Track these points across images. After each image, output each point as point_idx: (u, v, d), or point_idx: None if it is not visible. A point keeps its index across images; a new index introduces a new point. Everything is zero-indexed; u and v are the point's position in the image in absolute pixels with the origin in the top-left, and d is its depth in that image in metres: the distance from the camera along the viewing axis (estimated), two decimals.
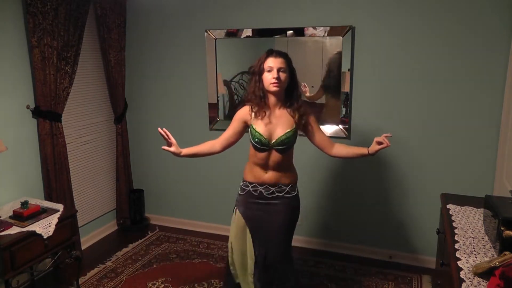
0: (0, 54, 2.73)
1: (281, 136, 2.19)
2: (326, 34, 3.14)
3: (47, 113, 2.98)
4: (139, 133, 3.99)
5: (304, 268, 3.24)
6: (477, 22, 2.79)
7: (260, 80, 2.19)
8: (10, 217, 2.54)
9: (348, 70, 3.15)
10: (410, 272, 3.17)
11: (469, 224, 1.95)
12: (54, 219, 2.56)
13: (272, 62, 2.15)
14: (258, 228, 2.28)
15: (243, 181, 2.35)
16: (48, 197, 3.07)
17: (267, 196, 2.26)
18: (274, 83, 2.14)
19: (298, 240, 3.59)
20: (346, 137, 3.25)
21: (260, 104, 2.21)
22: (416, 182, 3.15)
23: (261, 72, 2.18)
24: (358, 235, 3.42)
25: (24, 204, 2.56)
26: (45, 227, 2.49)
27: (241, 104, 2.36)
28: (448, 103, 2.97)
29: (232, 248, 2.38)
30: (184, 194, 3.95)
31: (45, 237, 2.47)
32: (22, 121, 2.92)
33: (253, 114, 2.23)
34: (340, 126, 3.26)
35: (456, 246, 1.74)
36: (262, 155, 2.22)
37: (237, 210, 2.34)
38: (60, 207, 2.71)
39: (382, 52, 3.06)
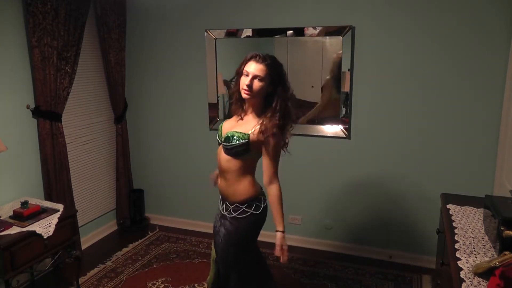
0: (0, 54, 2.73)
1: (232, 131, 2.03)
2: (325, 34, 3.14)
3: (47, 113, 2.98)
4: (139, 133, 3.99)
5: (304, 268, 3.24)
6: (477, 22, 2.79)
7: (238, 82, 2.04)
8: (10, 217, 2.54)
9: (348, 70, 3.15)
10: (410, 272, 3.17)
11: (469, 224, 1.95)
12: (54, 219, 2.56)
13: (250, 67, 1.98)
14: (215, 236, 2.24)
15: None
16: (48, 197, 3.07)
17: (223, 208, 2.18)
18: (245, 89, 1.98)
19: (297, 240, 3.59)
20: (346, 137, 3.25)
21: (237, 104, 2.13)
22: (416, 182, 3.15)
23: (240, 73, 2.03)
24: (358, 235, 3.41)
25: (24, 204, 2.56)
26: (45, 227, 2.49)
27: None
28: (448, 103, 2.97)
29: None
30: (184, 194, 3.95)
31: (45, 237, 2.47)
32: (22, 121, 2.92)
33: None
34: (340, 126, 3.26)
35: (456, 246, 1.74)
36: (218, 149, 2.13)
37: None
38: (60, 207, 2.71)
39: (382, 52, 3.06)
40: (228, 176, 2.11)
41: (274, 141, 1.98)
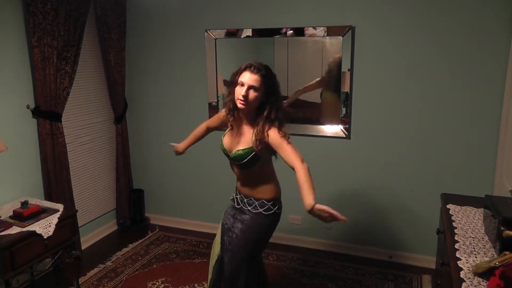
0: (0, 54, 2.73)
1: (237, 151, 2.08)
2: (325, 34, 3.14)
3: (47, 113, 2.98)
4: (139, 133, 3.99)
5: (304, 268, 3.24)
6: (477, 21, 2.79)
7: (233, 92, 2.06)
8: (10, 217, 2.54)
9: (348, 70, 3.15)
10: (410, 272, 3.17)
11: (469, 224, 1.95)
12: (54, 219, 2.56)
13: (245, 78, 1.99)
14: (224, 233, 2.27)
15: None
16: (48, 197, 3.07)
17: (240, 204, 2.23)
18: (240, 100, 2.00)
19: (297, 240, 3.59)
20: (346, 137, 3.25)
21: (230, 114, 2.14)
22: (416, 182, 3.15)
23: (234, 83, 2.04)
24: (358, 235, 3.41)
25: (24, 204, 2.56)
26: (45, 227, 2.49)
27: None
28: (448, 103, 2.97)
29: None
30: (184, 194, 3.95)
31: (45, 237, 2.47)
32: (22, 121, 2.92)
33: (226, 120, 2.20)
34: (340, 126, 3.26)
35: (456, 246, 1.74)
36: (231, 164, 2.21)
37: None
38: (60, 207, 2.71)
39: (382, 52, 3.06)
40: (249, 183, 2.18)
41: (276, 136, 1.99)
